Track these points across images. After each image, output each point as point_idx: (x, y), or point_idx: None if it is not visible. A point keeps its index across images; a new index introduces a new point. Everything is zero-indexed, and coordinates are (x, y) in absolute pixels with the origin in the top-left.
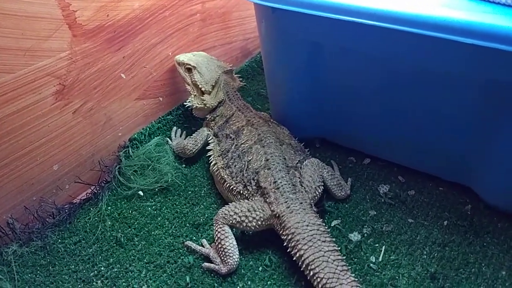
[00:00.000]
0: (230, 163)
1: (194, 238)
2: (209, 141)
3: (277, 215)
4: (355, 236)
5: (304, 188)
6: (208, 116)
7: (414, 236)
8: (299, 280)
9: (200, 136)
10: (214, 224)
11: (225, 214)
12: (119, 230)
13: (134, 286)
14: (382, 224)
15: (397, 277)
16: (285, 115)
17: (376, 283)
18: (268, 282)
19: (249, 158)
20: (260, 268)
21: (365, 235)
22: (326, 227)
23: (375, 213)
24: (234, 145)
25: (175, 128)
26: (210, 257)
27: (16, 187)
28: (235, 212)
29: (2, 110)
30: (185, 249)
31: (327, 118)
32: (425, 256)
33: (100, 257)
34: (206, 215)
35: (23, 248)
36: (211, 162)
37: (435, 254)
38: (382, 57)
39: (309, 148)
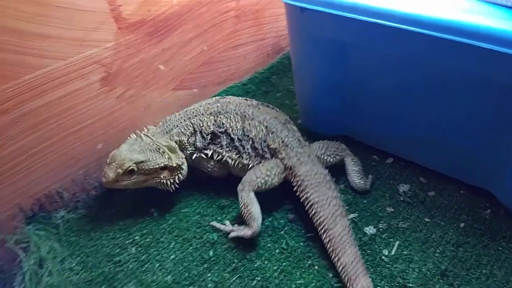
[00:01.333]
0: (241, 149)
1: (219, 218)
2: (204, 155)
3: (289, 167)
4: (370, 230)
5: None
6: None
7: (429, 234)
8: (312, 264)
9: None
10: (240, 193)
11: (248, 181)
12: (153, 205)
13: (164, 255)
14: (398, 221)
15: (407, 271)
16: (311, 112)
17: (386, 275)
18: (283, 263)
19: (252, 135)
20: (277, 250)
21: (380, 230)
22: (333, 178)
23: (392, 210)
24: (228, 136)
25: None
26: (234, 231)
27: (65, 161)
28: (256, 177)
29: (54, 93)
30: (208, 227)
31: (352, 116)
32: (437, 254)
33: (135, 227)
34: (230, 199)
35: (70, 215)
36: (225, 162)
37: (448, 253)
38: (406, 58)
39: None
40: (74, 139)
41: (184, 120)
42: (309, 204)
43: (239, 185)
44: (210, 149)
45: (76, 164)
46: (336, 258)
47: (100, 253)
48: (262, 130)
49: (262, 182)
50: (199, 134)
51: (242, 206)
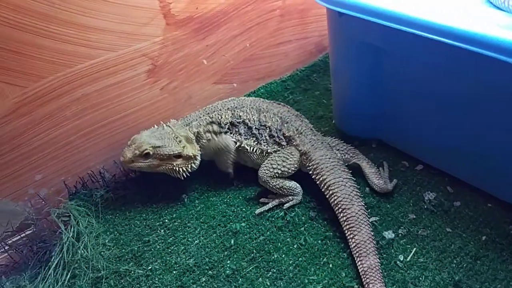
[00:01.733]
0: (258, 136)
1: (243, 209)
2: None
3: (304, 153)
4: (389, 234)
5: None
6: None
7: (448, 244)
8: (327, 262)
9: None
10: (264, 184)
11: (267, 172)
12: (185, 192)
13: (189, 239)
14: (419, 228)
15: (420, 278)
16: (345, 113)
17: (399, 279)
18: (300, 259)
19: (269, 124)
20: (295, 246)
21: (400, 235)
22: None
23: (414, 217)
24: (246, 125)
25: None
26: (282, 201)
27: (110, 144)
28: (273, 167)
29: (104, 81)
30: (234, 216)
31: (385, 120)
32: (454, 265)
33: (166, 211)
34: (256, 192)
35: (108, 194)
36: (243, 149)
37: (465, 265)
38: (443, 69)
39: (365, 147)
40: (120, 124)
41: (203, 115)
42: (325, 185)
43: (259, 179)
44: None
45: (120, 148)
46: (351, 236)
47: (131, 232)
48: (277, 120)
49: (280, 170)
50: (216, 124)
51: (277, 190)
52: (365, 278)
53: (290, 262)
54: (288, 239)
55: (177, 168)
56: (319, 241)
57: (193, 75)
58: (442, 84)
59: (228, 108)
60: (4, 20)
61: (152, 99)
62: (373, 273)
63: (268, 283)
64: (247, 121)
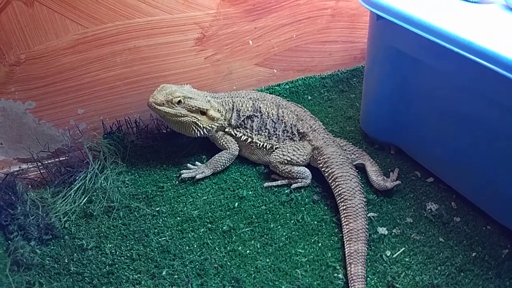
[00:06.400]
0: (272, 132)
1: (254, 180)
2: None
3: (316, 147)
4: (383, 231)
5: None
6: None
7: (437, 252)
8: (318, 241)
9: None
10: (275, 168)
11: (277, 158)
12: (205, 154)
13: (198, 194)
14: (413, 231)
15: (401, 275)
16: (370, 116)
17: (380, 271)
18: (293, 232)
19: (285, 119)
20: (292, 221)
21: (393, 234)
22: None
23: (411, 221)
24: (262, 119)
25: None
26: (291, 182)
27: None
28: (283, 153)
29: (156, 38)
30: (244, 184)
31: (405, 129)
32: (437, 271)
33: (184, 166)
34: (269, 169)
35: (138, 141)
36: (253, 144)
37: (447, 273)
38: (467, 89)
39: (383, 152)
40: (162, 81)
41: (227, 97)
42: (332, 178)
43: (269, 164)
44: (239, 132)
45: None
46: (346, 223)
47: (149, 177)
48: (294, 117)
49: (288, 158)
50: (235, 113)
51: (286, 174)
52: (349, 259)
53: (284, 233)
54: (287, 214)
55: (200, 124)
56: (315, 222)
57: (237, 52)
58: (460, 104)
59: (250, 98)
60: None
61: (196, 66)
62: (358, 257)
63: (259, 246)
64: (265, 115)
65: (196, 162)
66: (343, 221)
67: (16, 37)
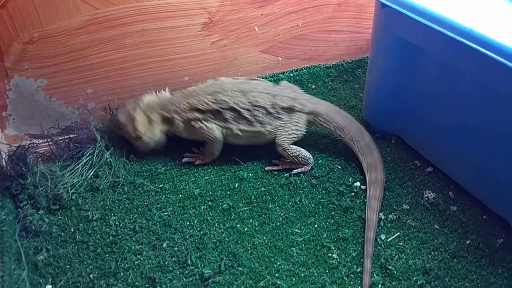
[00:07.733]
0: (252, 119)
1: (256, 163)
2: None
3: (310, 112)
4: (379, 215)
5: None
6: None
7: (432, 238)
8: (314, 223)
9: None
10: (284, 152)
11: (286, 140)
12: None
13: (201, 173)
14: (409, 218)
15: (394, 257)
16: (372, 105)
17: (373, 253)
18: (290, 213)
19: (260, 104)
20: (290, 203)
21: (388, 219)
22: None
23: (408, 207)
24: (234, 110)
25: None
26: (292, 167)
27: (156, 80)
28: (289, 133)
29: (163, 22)
30: (245, 166)
31: (406, 118)
32: (430, 256)
33: (189, 149)
34: (270, 153)
35: None
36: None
37: (440, 258)
38: (469, 77)
39: (384, 141)
40: (169, 65)
41: (182, 100)
42: (335, 128)
43: (277, 147)
44: (212, 124)
45: (164, 86)
46: (363, 157)
47: (154, 157)
48: (267, 97)
49: (296, 135)
50: (195, 111)
51: (293, 157)
52: (370, 184)
53: (281, 214)
54: (285, 196)
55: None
56: (313, 205)
57: (243, 39)
58: (462, 93)
59: (208, 93)
60: None
61: (202, 51)
62: (378, 182)
63: (256, 224)
64: (235, 106)
65: (201, 148)
66: (360, 157)
67: (30, 16)
